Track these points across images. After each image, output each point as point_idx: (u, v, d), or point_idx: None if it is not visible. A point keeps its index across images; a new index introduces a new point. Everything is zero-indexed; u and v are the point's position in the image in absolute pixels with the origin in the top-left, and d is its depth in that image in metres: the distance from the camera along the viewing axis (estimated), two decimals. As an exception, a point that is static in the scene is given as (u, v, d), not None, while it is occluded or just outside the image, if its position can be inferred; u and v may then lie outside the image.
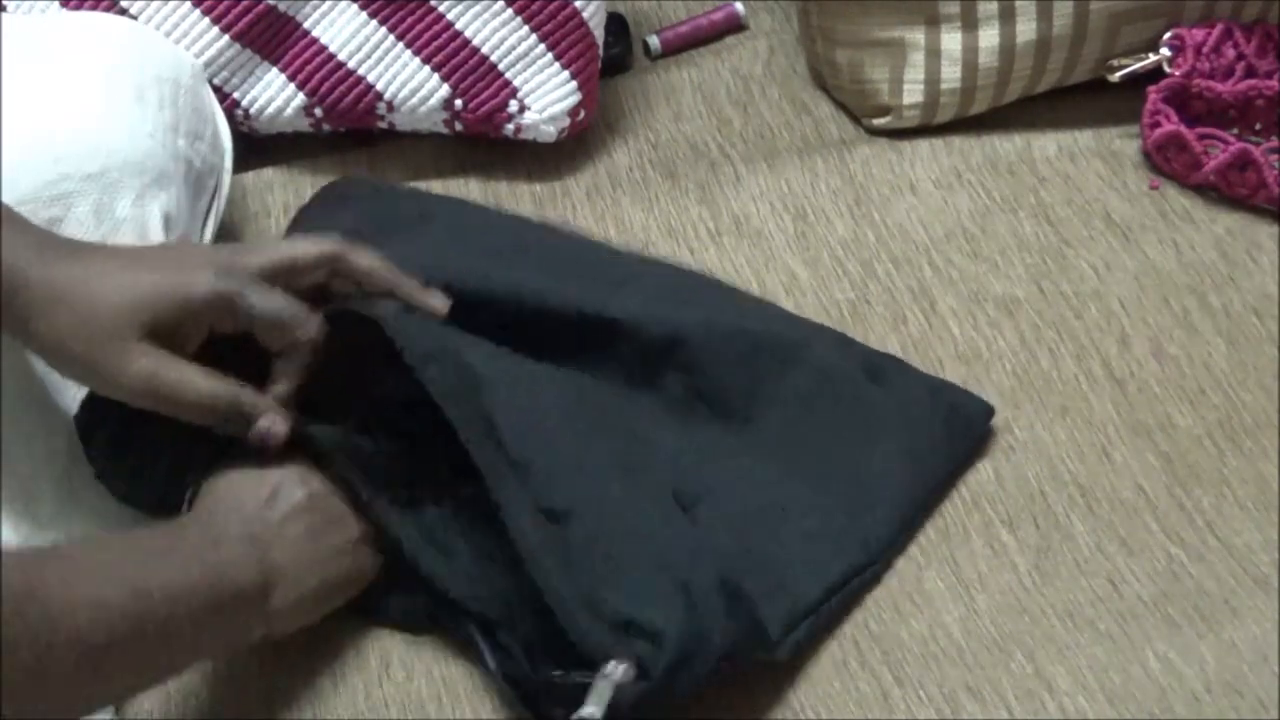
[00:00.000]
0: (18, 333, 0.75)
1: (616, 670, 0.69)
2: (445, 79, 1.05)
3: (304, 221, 0.96)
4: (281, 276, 0.78)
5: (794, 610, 0.79)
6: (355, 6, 1.04)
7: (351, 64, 1.04)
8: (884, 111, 1.11)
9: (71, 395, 0.83)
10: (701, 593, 0.74)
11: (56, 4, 1.02)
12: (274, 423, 0.77)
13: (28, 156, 0.84)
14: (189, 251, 0.84)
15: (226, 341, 0.78)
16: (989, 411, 0.90)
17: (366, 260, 0.81)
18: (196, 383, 0.75)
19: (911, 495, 0.85)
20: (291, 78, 1.05)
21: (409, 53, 1.04)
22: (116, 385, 0.74)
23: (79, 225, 0.85)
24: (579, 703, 0.69)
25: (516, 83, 1.05)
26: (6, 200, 0.80)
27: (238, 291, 0.76)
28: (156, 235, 0.88)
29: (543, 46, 1.05)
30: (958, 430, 0.88)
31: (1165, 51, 1.06)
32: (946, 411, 0.88)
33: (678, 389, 0.88)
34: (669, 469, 0.83)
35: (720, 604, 0.74)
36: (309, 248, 0.80)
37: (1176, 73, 1.06)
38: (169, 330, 0.75)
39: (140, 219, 0.87)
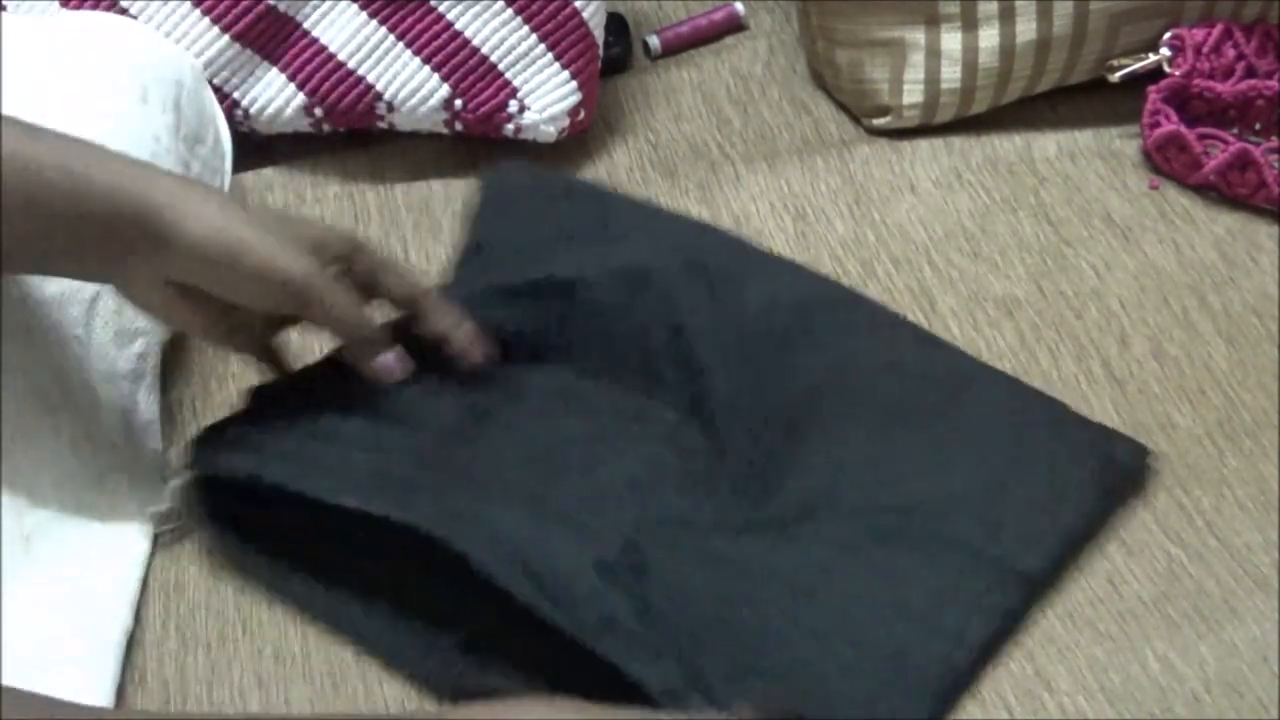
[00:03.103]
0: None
1: None
2: (445, 79, 1.05)
3: (481, 227, 0.96)
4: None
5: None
6: (355, 6, 1.04)
7: (351, 64, 1.04)
8: (884, 111, 1.11)
9: (78, 380, 0.83)
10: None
11: (57, 5, 1.02)
12: (400, 358, 0.82)
13: None
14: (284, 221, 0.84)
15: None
16: (1143, 454, 0.87)
17: (387, 268, 0.82)
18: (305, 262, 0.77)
19: (1063, 537, 0.82)
20: (291, 78, 1.05)
21: (409, 53, 1.04)
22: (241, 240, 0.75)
23: None
24: None
25: (516, 83, 1.05)
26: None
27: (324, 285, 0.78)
28: None
29: (543, 46, 1.05)
30: (1111, 477, 0.85)
31: (1165, 51, 1.06)
32: (1102, 458, 0.85)
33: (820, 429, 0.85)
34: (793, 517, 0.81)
35: None
36: (336, 237, 0.81)
37: (1176, 73, 1.06)
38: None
39: None
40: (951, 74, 1.08)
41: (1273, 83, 1.05)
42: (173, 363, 0.92)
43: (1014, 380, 0.90)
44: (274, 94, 1.05)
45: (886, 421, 0.85)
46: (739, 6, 1.20)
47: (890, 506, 0.81)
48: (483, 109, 1.06)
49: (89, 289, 0.85)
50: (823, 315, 0.91)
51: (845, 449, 0.84)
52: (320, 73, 1.04)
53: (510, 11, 1.04)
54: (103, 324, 0.85)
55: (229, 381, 0.93)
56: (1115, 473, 0.85)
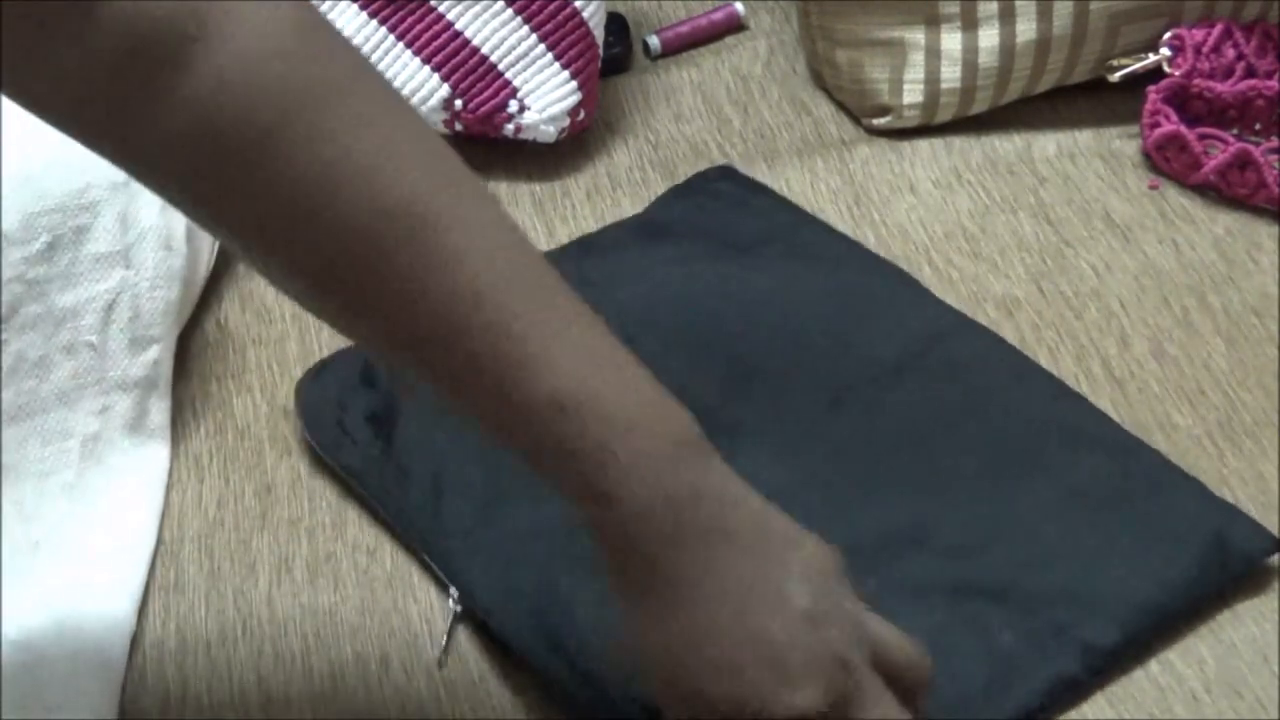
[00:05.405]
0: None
1: None
2: (445, 79, 1.05)
3: (659, 210, 1.02)
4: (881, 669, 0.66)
5: None
6: (355, 6, 1.04)
7: (351, 64, 1.04)
8: (884, 111, 1.11)
9: (85, 406, 0.83)
10: None
11: (56, 4, 1.02)
12: None
13: (56, 165, 0.84)
14: (816, 639, 0.64)
15: None
16: (1269, 545, 0.81)
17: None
18: None
19: (1145, 613, 0.78)
20: (291, 78, 1.05)
21: (409, 53, 1.04)
22: None
23: (105, 233, 0.86)
24: None
25: (516, 83, 1.05)
26: (35, 209, 0.79)
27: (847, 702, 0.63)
28: (180, 245, 0.89)
29: (543, 46, 1.05)
30: (1217, 558, 0.80)
31: (1165, 51, 1.06)
32: (1211, 537, 0.80)
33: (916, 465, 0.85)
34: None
35: None
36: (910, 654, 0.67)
37: (1176, 73, 1.06)
38: None
39: (164, 228, 0.88)
40: (951, 74, 1.08)
41: (1273, 83, 1.05)
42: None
43: (1138, 443, 0.87)
44: (274, 94, 1.05)
45: (989, 465, 0.84)
46: (739, 6, 1.20)
47: (969, 556, 0.80)
48: (483, 109, 1.06)
49: (104, 297, 0.85)
50: (953, 345, 0.92)
51: (941, 490, 0.83)
52: (320, 73, 1.04)
53: (510, 11, 1.04)
54: (118, 331, 0.85)
55: (228, 381, 0.93)
56: (1225, 555, 0.80)
